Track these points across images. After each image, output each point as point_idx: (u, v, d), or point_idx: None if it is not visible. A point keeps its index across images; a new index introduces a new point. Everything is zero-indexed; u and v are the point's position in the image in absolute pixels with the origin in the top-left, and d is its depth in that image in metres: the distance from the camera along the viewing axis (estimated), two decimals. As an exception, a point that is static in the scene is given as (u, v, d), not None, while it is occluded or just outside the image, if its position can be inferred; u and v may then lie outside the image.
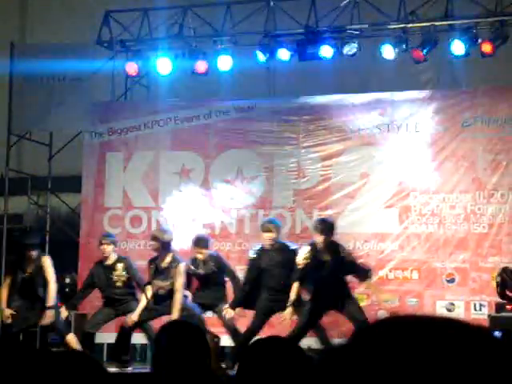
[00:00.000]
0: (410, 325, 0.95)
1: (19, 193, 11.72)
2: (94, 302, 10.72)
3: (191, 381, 2.83)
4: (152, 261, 9.08)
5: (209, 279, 9.16)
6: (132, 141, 11.22)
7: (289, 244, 8.95)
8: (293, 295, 8.56)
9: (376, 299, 9.13)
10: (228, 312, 8.86)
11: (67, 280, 11.10)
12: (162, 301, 8.91)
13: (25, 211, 12.00)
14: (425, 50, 10.17)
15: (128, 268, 9.23)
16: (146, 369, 8.61)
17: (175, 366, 2.83)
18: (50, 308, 8.95)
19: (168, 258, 8.91)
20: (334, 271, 8.51)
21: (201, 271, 9.10)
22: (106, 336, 10.14)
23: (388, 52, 10.30)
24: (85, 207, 11.26)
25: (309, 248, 8.60)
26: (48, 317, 8.93)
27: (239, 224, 10.76)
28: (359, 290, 10.22)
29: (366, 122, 10.54)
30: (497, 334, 7.83)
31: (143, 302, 8.93)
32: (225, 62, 10.79)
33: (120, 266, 9.23)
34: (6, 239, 11.13)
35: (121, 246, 10.75)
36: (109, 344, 10.67)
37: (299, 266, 8.55)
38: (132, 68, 11.21)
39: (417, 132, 10.38)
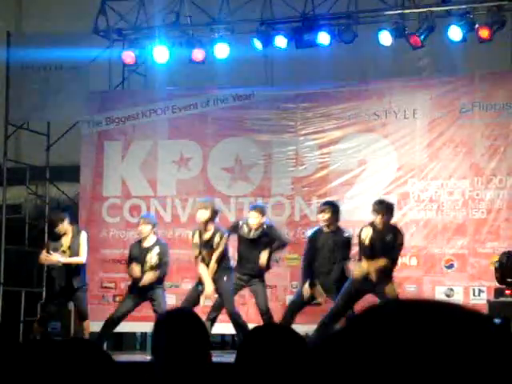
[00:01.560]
0: (409, 309, 0.95)
1: (17, 183, 11.72)
2: (93, 290, 10.77)
3: (191, 371, 2.84)
4: (195, 232, 9.05)
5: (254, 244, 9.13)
6: (130, 130, 11.21)
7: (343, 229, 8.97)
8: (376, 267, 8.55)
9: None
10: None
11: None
12: None
13: (23, 201, 11.99)
14: (422, 36, 10.15)
15: (162, 254, 9.17)
16: (146, 358, 8.62)
17: (175, 356, 2.84)
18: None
19: (211, 229, 8.91)
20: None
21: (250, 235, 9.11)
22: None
23: (385, 38, 10.28)
24: (83, 197, 11.26)
25: (371, 228, 8.58)
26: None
27: (238, 212, 10.77)
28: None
29: (363, 109, 10.53)
30: (496, 320, 7.84)
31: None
32: (222, 50, 10.77)
33: (155, 250, 9.18)
34: (4, 229, 11.13)
35: (120, 235, 10.79)
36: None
37: (366, 244, 8.53)
38: (129, 57, 11.19)
39: (415, 118, 10.37)
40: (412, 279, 10.16)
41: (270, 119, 10.78)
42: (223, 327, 9.57)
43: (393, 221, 10.26)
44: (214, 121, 10.98)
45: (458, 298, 9.90)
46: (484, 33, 9.94)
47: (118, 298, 10.38)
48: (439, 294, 10.03)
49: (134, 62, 11.34)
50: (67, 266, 9.25)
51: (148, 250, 9.14)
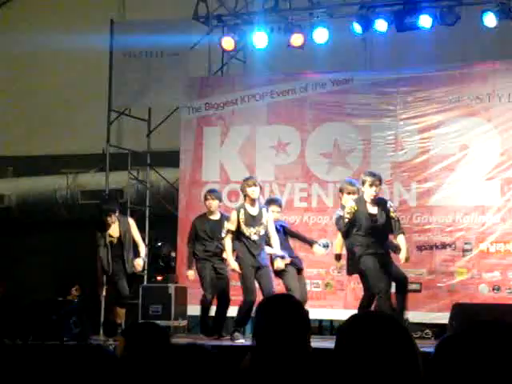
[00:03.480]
0: None
1: (120, 168, 11.96)
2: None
3: (291, 355, 2.84)
4: (240, 209, 8.92)
5: None
6: (229, 115, 11.28)
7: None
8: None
9: None
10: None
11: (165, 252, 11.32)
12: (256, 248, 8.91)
13: (125, 186, 12.23)
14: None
15: None
16: (244, 342, 8.69)
17: (275, 341, 2.84)
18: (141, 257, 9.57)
19: (257, 205, 8.92)
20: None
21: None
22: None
23: (490, 20, 10.02)
24: (183, 182, 11.41)
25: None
26: (138, 265, 9.53)
27: (336, 197, 10.70)
28: (459, 264, 10.07)
29: (465, 93, 10.30)
30: None
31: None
32: (321, 35, 10.70)
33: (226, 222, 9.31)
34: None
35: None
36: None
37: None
38: (228, 42, 11.25)
39: (519, 102, 10.08)
40: (516, 267, 9.91)
41: (370, 103, 10.67)
42: (321, 312, 9.58)
43: (496, 206, 10.05)
44: (313, 106, 10.94)
45: None
46: None
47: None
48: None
49: (234, 48, 11.39)
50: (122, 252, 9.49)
51: (219, 223, 9.41)
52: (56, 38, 12.74)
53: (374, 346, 2.47)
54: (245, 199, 8.96)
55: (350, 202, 8.66)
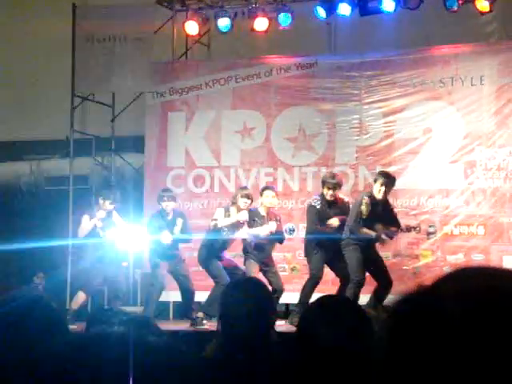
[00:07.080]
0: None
1: (84, 154, 11.88)
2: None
3: (255, 339, 2.84)
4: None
5: None
6: (193, 100, 11.24)
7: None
8: None
9: None
10: None
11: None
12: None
13: (90, 172, 12.16)
14: (490, 1, 9.91)
15: (184, 223, 9.30)
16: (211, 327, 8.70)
17: (239, 324, 2.84)
18: None
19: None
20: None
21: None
22: (172, 294, 10.28)
23: (452, 4, 10.07)
24: (148, 167, 11.36)
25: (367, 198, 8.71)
26: None
27: (301, 182, 10.74)
28: (424, 246, 10.17)
29: (429, 76, 10.36)
30: None
31: None
32: (285, 19, 10.70)
33: (179, 221, 9.29)
34: (72, 200, 11.31)
35: (184, 205, 10.84)
36: (174, 302, 10.83)
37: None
38: (192, 27, 11.20)
39: (482, 85, 10.17)
40: (479, 248, 10.03)
41: (334, 88, 10.69)
42: (287, 296, 9.60)
43: (459, 189, 10.14)
44: (277, 90, 10.94)
45: (526, 267, 9.74)
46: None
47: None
48: (507, 264, 9.88)
49: (198, 33, 11.34)
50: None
51: (173, 222, 9.31)
52: (18, 22, 12.59)
53: (334, 328, 2.49)
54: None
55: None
